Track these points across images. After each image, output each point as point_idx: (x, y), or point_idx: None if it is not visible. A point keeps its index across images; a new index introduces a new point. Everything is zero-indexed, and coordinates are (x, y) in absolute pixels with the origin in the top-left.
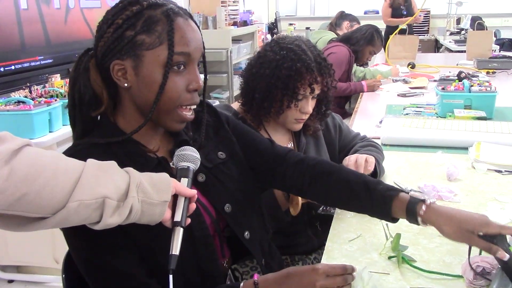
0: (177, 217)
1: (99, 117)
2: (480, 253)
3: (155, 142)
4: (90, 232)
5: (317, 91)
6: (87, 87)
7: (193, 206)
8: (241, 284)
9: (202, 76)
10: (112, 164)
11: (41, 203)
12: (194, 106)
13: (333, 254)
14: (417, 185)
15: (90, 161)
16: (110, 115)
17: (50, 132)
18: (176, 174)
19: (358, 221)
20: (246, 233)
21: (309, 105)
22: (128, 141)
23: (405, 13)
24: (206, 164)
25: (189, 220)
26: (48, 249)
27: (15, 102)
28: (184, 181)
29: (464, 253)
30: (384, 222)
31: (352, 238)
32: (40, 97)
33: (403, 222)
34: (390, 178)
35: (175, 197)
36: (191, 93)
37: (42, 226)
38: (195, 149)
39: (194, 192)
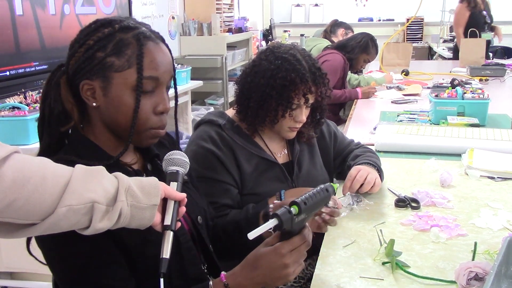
0: (167, 221)
1: (69, 132)
2: (473, 259)
3: (130, 156)
4: (76, 246)
5: (311, 101)
6: (57, 102)
7: (183, 209)
8: (210, 283)
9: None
10: (101, 169)
11: (30, 209)
12: (164, 130)
13: (328, 259)
14: (410, 191)
15: (79, 166)
16: (81, 131)
17: None
18: (166, 178)
19: (352, 227)
20: (210, 246)
21: (303, 114)
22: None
23: (489, 20)
24: None
25: (179, 224)
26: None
27: (10, 108)
28: (174, 184)
29: (457, 259)
30: (378, 228)
31: (346, 244)
32: (35, 103)
33: (397, 228)
34: (383, 184)
35: (164, 201)
36: (159, 116)
37: (32, 232)
38: (184, 153)
39: (183, 195)
